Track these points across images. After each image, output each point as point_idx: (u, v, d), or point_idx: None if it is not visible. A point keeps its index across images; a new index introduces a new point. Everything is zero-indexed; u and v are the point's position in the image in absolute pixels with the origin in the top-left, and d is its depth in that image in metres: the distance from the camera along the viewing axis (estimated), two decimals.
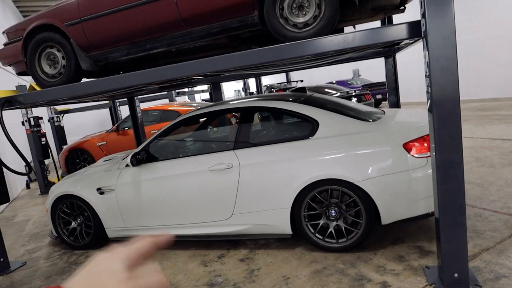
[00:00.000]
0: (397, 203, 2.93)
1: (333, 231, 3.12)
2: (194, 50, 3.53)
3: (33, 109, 7.58)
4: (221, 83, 5.96)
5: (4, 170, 3.60)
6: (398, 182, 2.90)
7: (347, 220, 3.11)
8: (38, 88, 3.65)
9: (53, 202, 4.03)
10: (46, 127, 7.81)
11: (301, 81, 19.18)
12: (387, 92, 5.61)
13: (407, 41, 3.30)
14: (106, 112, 14.25)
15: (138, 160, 3.63)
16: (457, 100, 2.19)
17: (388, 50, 5.05)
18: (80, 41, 3.43)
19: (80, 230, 4.00)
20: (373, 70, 18.94)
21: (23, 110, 6.93)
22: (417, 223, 3.41)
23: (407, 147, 2.91)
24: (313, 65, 4.52)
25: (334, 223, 3.12)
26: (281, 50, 2.58)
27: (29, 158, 7.42)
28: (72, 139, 10.50)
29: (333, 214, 3.11)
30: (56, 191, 4.04)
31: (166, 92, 10.21)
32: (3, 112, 3.50)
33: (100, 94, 3.89)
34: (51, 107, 10.47)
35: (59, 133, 10.67)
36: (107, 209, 3.78)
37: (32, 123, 6.92)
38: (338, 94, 10.54)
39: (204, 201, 3.40)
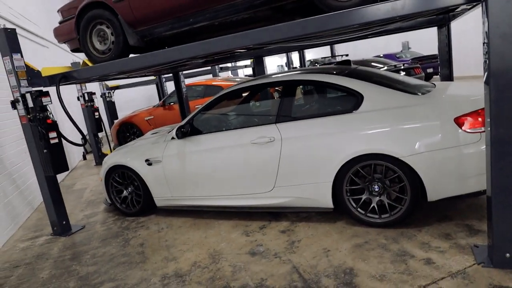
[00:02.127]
0: (445, 180, 2.81)
1: (375, 206, 3.08)
2: (237, 24, 3.51)
3: (87, 85, 8.03)
4: (263, 58, 5.91)
5: (63, 142, 3.88)
6: (448, 158, 2.76)
7: (390, 196, 3.04)
8: (90, 64, 3.85)
9: (107, 172, 4.31)
10: (98, 102, 8.24)
11: (346, 55, 18.50)
12: (439, 66, 5.29)
13: (464, 6, 3.06)
14: (153, 88, 14.73)
15: (183, 133, 3.75)
16: None
17: (442, 18, 4.72)
18: (127, 17, 3.53)
19: (131, 198, 4.27)
20: (424, 42, 17.83)
21: (78, 86, 7.36)
22: (466, 201, 3.27)
23: (459, 121, 2.75)
24: (359, 35, 4.33)
25: (377, 198, 3.07)
26: (325, 20, 2.50)
27: (84, 131, 7.92)
28: (122, 113, 11.02)
29: (376, 189, 3.05)
30: (108, 161, 4.31)
31: (209, 68, 10.34)
32: (61, 87, 3.75)
33: (146, 69, 4.02)
34: (103, 83, 11.00)
35: (111, 108, 11.23)
36: (154, 179, 3.98)
37: (86, 98, 7.34)
38: (385, 68, 10.07)
39: (246, 173, 3.47)
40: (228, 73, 18.23)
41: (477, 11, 2.64)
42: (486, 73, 2.14)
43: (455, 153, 2.75)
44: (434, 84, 3.58)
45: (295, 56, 15.72)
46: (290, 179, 3.29)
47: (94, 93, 7.45)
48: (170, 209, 4.10)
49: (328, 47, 20.81)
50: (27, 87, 3.69)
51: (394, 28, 4.88)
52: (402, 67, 10.04)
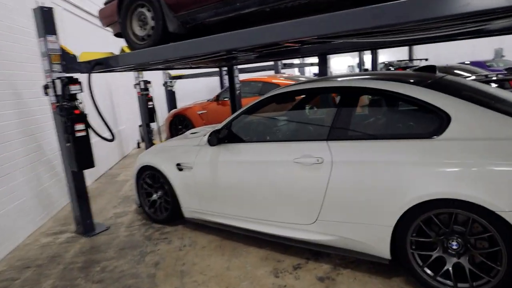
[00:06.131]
0: None
1: (451, 269, 2.26)
2: (293, 11, 2.86)
3: (147, 73, 7.92)
4: (328, 56, 5.15)
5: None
6: None
7: (474, 259, 2.21)
8: (127, 51, 3.47)
9: (138, 171, 3.94)
10: (154, 92, 8.06)
11: (426, 59, 16.71)
12: None
13: None
14: (216, 80, 14.60)
15: (218, 139, 3.20)
16: None
17: None
18: None
19: (159, 203, 3.86)
20: None
21: (136, 73, 7.22)
22: None
23: None
24: (445, 34, 3.37)
25: (455, 259, 2.25)
26: (408, 8, 1.74)
27: (135, 121, 7.83)
28: (183, 104, 10.91)
29: (455, 247, 2.23)
30: (141, 160, 3.94)
31: (272, 63, 9.77)
32: (97, 73, 3.42)
33: (185, 60, 3.54)
34: (166, 72, 11.00)
35: (171, 98, 11.25)
36: (184, 187, 3.51)
37: (142, 86, 7.18)
38: (474, 77, 8.63)
39: (284, 198, 2.83)
40: (295, 71, 17.50)
41: None
42: None
43: None
44: None
45: (367, 56, 14.50)
46: (338, 213, 2.59)
47: (149, 82, 7.26)
48: (198, 222, 3.60)
49: (406, 48, 19.06)
50: (60, 72, 3.40)
51: (497, 28, 3.84)
52: (495, 78, 8.52)
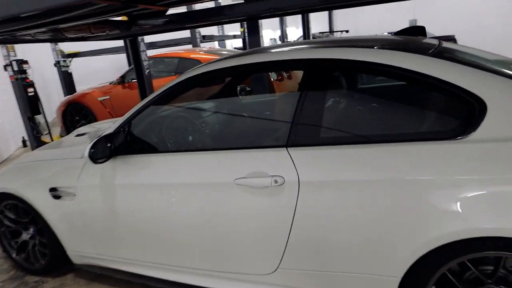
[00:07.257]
0: None
1: None
2: None
3: (30, 50, 6.12)
4: (259, 22, 4.10)
5: None
6: None
7: None
8: None
9: None
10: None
11: (347, 31, 16.70)
12: None
13: None
14: (124, 57, 12.65)
15: (112, 150, 2.01)
16: None
17: None
18: None
19: (33, 245, 2.57)
20: (434, 21, 16.24)
21: (4, 51, 5.40)
22: None
23: None
24: None
25: None
26: None
27: (17, 113, 6.04)
28: (84, 88, 9.02)
29: None
30: None
31: (189, 35, 8.44)
32: None
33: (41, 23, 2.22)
34: (57, 49, 8.96)
35: (67, 81, 9.29)
36: (66, 223, 2.28)
37: (16, 68, 5.41)
38: None
39: (224, 238, 1.81)
40: (215, 44, 16.19)
41: None
42: None
43: None
44: None
45: (290, 29, 13.73)
46: (310, 258, 1.66)
47: (26, 62, 5.49)
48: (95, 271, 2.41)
49: (326, 21, 18.92)
50: None
51: None
52: None
